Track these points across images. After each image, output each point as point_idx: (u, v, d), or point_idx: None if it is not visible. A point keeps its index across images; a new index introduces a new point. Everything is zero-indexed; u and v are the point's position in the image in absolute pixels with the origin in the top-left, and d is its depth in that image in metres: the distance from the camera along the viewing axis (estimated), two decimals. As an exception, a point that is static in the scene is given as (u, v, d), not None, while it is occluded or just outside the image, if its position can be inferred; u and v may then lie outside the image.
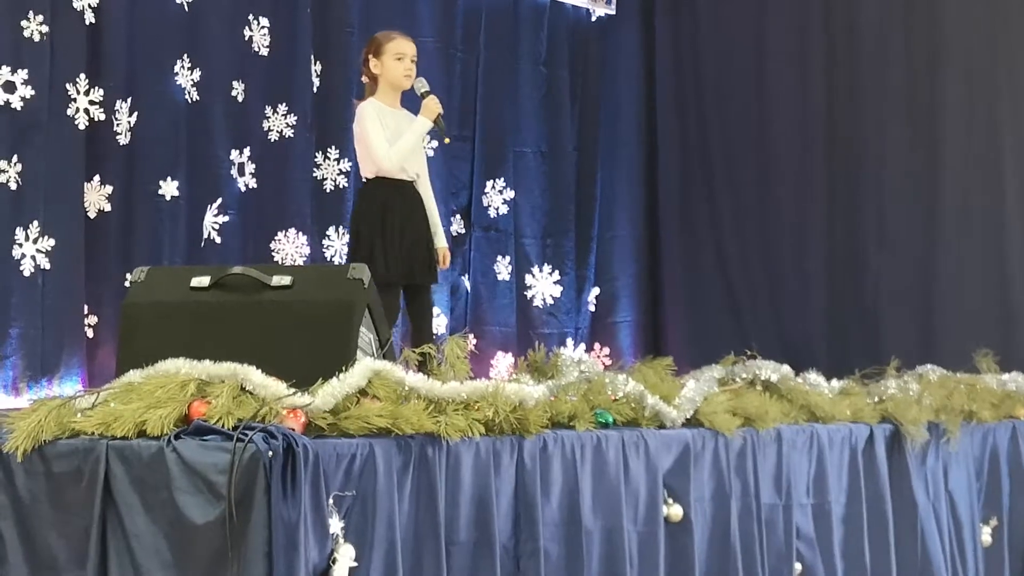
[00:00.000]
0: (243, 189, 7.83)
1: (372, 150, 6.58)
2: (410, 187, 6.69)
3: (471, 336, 8.53)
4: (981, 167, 8.76)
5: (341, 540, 3.86)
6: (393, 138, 6.59)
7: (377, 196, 6.63)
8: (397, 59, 6.69)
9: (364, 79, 6.84)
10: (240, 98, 7.83)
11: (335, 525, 3.85)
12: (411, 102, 6.85)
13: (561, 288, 9.71)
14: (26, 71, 6.74)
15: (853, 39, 9.33)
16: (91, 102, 7.04)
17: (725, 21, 9.89)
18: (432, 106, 6.66)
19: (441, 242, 6.85)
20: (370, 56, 6.73)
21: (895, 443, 6.41)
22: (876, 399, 6.52)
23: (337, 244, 8.33)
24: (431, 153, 8.59)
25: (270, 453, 3.64)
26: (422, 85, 6.75)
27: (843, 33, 9.39)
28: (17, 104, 6.72)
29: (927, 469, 6.55)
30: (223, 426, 3.76)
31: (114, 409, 3.88)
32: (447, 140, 7.03)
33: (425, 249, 6.70)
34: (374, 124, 6.58)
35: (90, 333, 7.07)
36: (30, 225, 6.76)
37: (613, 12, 10.19)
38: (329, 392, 4.01)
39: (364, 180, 6.75)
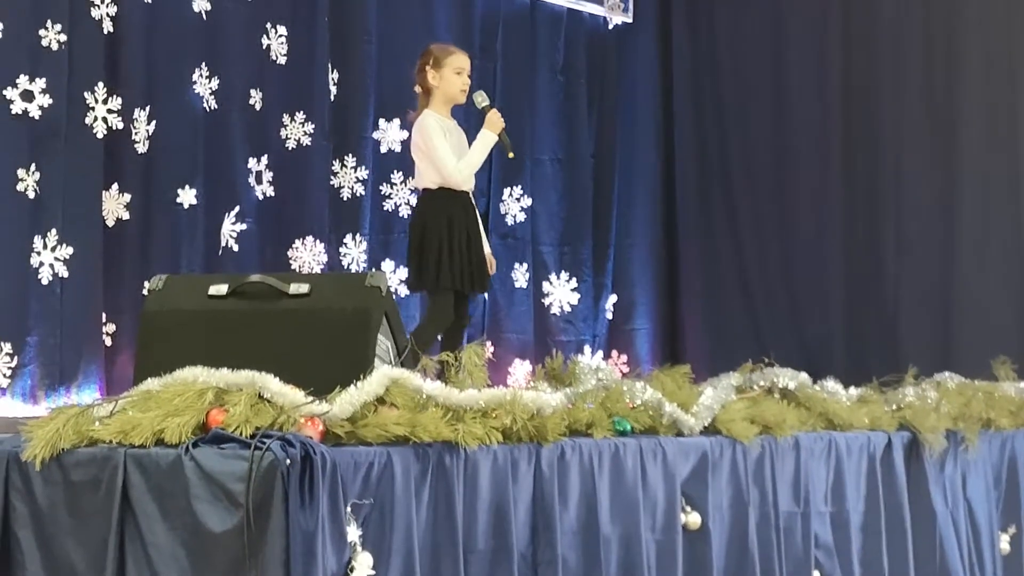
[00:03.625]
0: (261, 197, 7.84)
1: (440, 164, 6.63)
2: (469, 198, 6.80)
3: (489, 344, 8.53)
4: (1000, 173, 8.75)
5: (359, 548, 3.86)
6: (454, 150, 6.67)
7: (442, 207, 6.68)
8: (456, 73, 6.76)
9: (417, 90, 6.87)
10: (258, 106, 7.84)
11: (353, 533, 3.84)
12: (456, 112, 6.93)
13: (578, 295, 9.70)
14: (44, 80, 6.75)
15: (871, 45, 9.32)
16: (109, 111, 7.05)
17: (742, 28, 9.89)
18: (496, 120, 6.74)
19: (487, 248, 6.93)
20: (428, 68, 6.77)
21: (913, 451, 6.40)
22: (894, 407, 6.51)
23: (354, 252, 8.33)
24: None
25: (288, 461, 3.64)
26: (483, 99, 6.82)
27: (861, 39, 9.38)
28: (35, 113, 6.73)
29: (945, 477, 6.53)
30: (241, 434, 3.76)
31: (132, 417, 3.89)
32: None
33: (483, 259, 6.81)
34: (440, 137, 6.65)
35: (108, 341, 7.08)
36: (48, 233, 6.77)
37: (630, 20, 10.18)
38: (347, 400, 4.01)
39: (422, 190, 6.79)
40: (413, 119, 6.86)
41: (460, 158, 6.68)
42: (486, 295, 9.09)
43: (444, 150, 6.63)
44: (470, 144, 6.80)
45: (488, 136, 6.74)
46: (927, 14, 9.13)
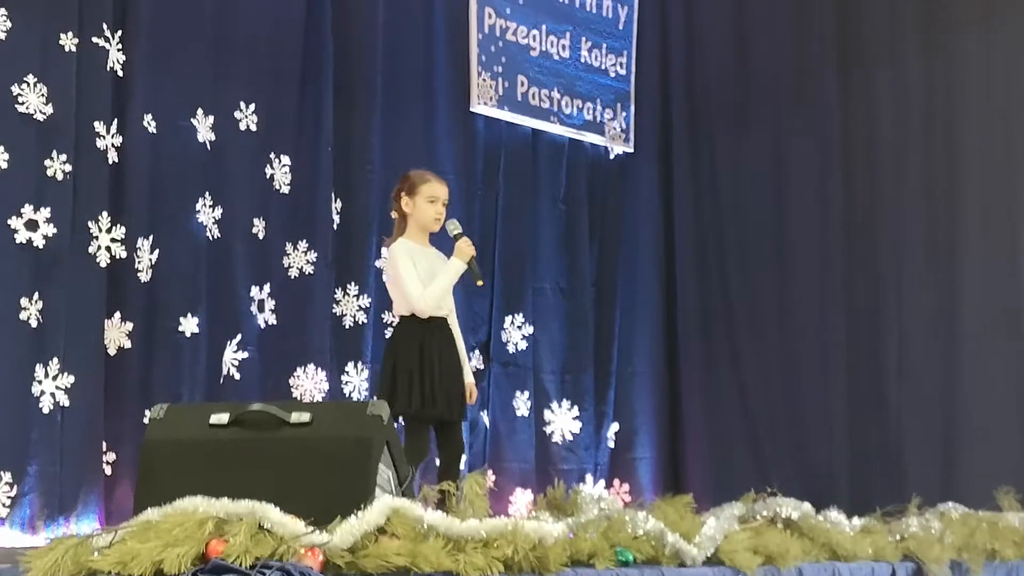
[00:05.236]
0: (263, 325, 7.86)
1: (407, 292, 6.60)
2: (443, 323, 6.72)
3: (490, 472, 8.49)
4: (1001, 302, 8.75)
5: None
6: (425, 278, 6.62)
7: (413, 334, 6.63)
8: (430, 202, 6.73)
9: (393, 215, 6.87)
10: (261, 235, 7.88)
11: (352, 666, 3.81)
12: (437, 239, 6.89)
13: (580, 424, 9.68)
14: (49, 209, 6.79)
15: (872, 174, 9.38)
16: (113, 239, 7.09)
17: (743, 158, 9.96)
18: (466, 248, 6.69)
19: (468, 377, 6.86)
20: (403, 194, 6.77)
21: (918, 582, 6.35)
22: (898, 537, 6.47)
23: (356, 380, 8.33)
24: (450, 289, 8.64)
25: (287, 592, 3.61)
26: (455, 227, 6.78)
27: (862, 167, 9.44)
28: (39, 242, 6.77)
29: (950, 608, 6.48)
30: (241, 565, 3.74)
31: (131, 547, 3.86)
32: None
33: (459, 385, 6.72)
34: (407, 265, 6.61)
35: (108, 471, 7.05)
36: (50, 362, 6.77)
37: (631, 150, 10.26)
38: (347, 530, 3.99)
39: (398, 317, 6.76)
40: (387, 245, 6.87)
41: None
42: (488, 422, 9.08)
43: (410, 277, 6.59)
44: None
45: (456, 264, 6.69)
46: (929, 132, 9.21)
